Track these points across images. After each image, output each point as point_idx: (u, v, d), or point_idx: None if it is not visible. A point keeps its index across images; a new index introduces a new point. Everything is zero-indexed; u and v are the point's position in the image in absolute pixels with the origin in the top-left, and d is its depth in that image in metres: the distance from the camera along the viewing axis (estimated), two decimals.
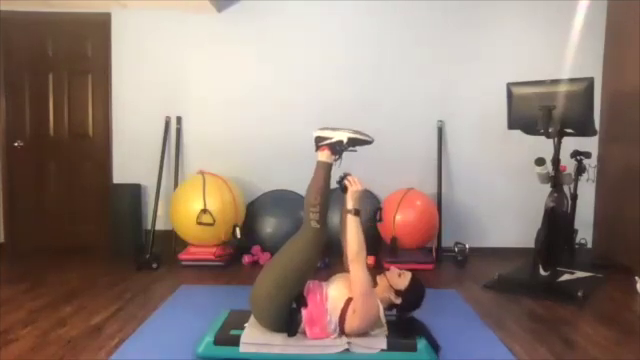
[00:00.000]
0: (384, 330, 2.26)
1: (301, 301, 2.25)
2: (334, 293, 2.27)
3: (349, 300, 2.21)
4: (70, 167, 4.66)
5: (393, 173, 4.48)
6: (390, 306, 2.30)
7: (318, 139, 2.37)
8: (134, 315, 2.89)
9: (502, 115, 3.64)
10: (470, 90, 4.57)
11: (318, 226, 2.26)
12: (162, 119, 4.56)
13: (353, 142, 2.36)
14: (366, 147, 2.43)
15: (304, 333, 2.23)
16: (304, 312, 2.23)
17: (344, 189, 2.33)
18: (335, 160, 2.37)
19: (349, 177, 2.33)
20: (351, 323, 2.21)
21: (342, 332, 2.23)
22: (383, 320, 2.25)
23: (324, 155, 2.35)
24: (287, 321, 2.23)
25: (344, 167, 2.43)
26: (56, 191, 4.66)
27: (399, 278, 2.31)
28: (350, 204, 2.28)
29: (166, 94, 4.58)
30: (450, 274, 4.02)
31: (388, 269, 2.39)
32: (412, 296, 2.30)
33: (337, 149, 2.35)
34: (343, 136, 2.34)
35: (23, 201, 4.66)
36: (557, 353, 2.45)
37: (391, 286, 2.29)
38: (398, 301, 2.28)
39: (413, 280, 2.31)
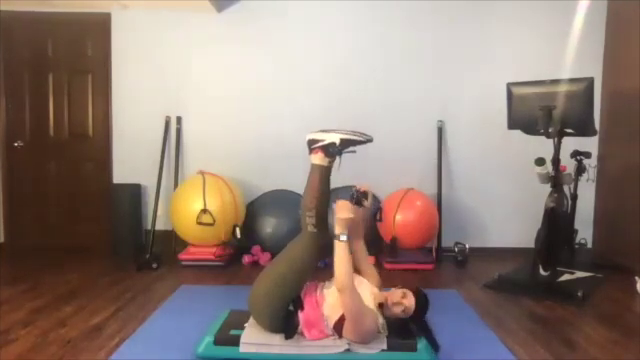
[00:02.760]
0: (384, 333, 2.25)
1: (298, 304, 2.24)
2: (330, 300, 2.23)
3: (343, 317, 2.17)
4: (70, 167, 4.66)
5: (393, 173, 4.48)
6: (396, 318, 2.25)
7: (311, 142, 2.35)
8: (134, 315, 2.89)
9: (502, 115, 3.64)
10: (470, 90, 4.58)
11: (315, 230, 2.25)
12: (162, 119, 4.56)
13: (346, 143, 2.32)
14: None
15: (302, 334, 2.23)
16: (301, 315, 2.23)
17: (358, 203, 2.29)
18: (331, 162, 2.34)
19: (338, 202, 2.23)
20: (349, 337, 2.19)
21: (340, 336, 2.23)
22: (382, 330, 2.23)
23: (317, 158, 2.33)
24: (284, 323, 2.22)
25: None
26: (56, 191, 4.66)
27: (404, 299, 2.22)
28: (337, 229, 2.18)
29: (166, 94, 4.58)
30: (450, 274, 4.02)
31: (390, 289, 2.30)
32: (419, 312, 2.25)
33: (330, 151, 2.31)
34: (335, 138, 2.31)
35: (23, 201, 4.66)
36: (557, 353, 2.45)
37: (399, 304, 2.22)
38: (406, 316, 2.23)
39: (418, 297, 2.23)
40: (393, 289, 2.30)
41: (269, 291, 2.23)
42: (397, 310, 2.21)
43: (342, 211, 2.19)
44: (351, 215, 2.19)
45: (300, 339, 2.23)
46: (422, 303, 2.25)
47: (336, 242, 2.17)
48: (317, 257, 2.30)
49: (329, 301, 2.24)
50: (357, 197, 2.30)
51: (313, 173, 2.33)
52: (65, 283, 3.52)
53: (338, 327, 2.19)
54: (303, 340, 2.22)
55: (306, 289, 2.31)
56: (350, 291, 2.12)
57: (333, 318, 2.20)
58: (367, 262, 2.49)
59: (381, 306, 2.25)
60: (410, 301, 2.21)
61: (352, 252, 2.33)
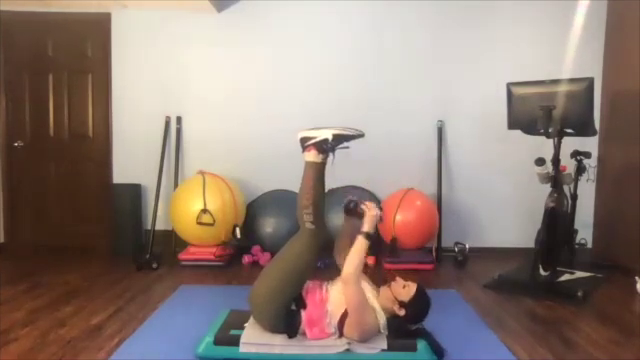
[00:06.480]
0: (385, 332, 2.25)
1: (300, 302, 2.25)
2: (335, 296, 2.25)
3: (347, 312, 2.19)
4: (70, 167, 4.66)
5: (393, 173, 4.48)
6: (393, 318, 2.24)
7: (303, 140, 2.33)
8: (134, 315, 2.89)
9: (502, 115, 3.64)
10: (470, 90, 4.58)
11: (313, 227, 2.25)
12: (162, 119, 4.56)
13: (339, 138, 2.31)
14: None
15: (304, 334, 2.23)
16: (303, 313, 2.23)
17: (357, 213, 2.33)
18: (325, 159, 2.33)
19: (366, 202, 2.33)
20: (349, 333, 2.20)
21: (341, 334, 2.23)
22: (383, 330, 2.23)
23: (311, 155, 2.31)
24: (286, 323, 2.22)
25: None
26: (56, 191, 4.66)
27: (403, 289, 2.24)
28: (366, 227, 2.26)
29: (166, 94, 4.59)
30: (450, 274, 4.02)
31: (394, 279, 2.31)
32: (416, 308, 2.23)
33: (324, 147, 2.30)
34: (327, 134, 2.29)
35: (23, 201, 4.66)
36: (557, 353, 2.45)
37: (395, 297, 2.23)
38: (401, 313, 2.21)
39: (418, 291, 2.23)
40: (398, 278, 2.32)
41: (270, 290, 2.22)
42: (396, 296, 2.22)
43: (372, 209, 2.28)
44: (379, 212, 2.30)
45: (301, 339, 2.23)
46: (420, 301, 2.24)
47: (361, 238, 2.23)
48: (317, 254, 2.29)
49: (333, 298, 2.25)
50: (355, 205, 2.37)
51: (307, 171, 2.32)
52: (65, 283, 3.52)
53: (341, 323, 2.20)
54: (304, 340, 2.22)
55: (308, 288, 2.31)
56: (354, 283, 2.16)
57: (337, 314, 2.20)
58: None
59: (387, 285, 2.29)
60: (408, 292, 2.23)
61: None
